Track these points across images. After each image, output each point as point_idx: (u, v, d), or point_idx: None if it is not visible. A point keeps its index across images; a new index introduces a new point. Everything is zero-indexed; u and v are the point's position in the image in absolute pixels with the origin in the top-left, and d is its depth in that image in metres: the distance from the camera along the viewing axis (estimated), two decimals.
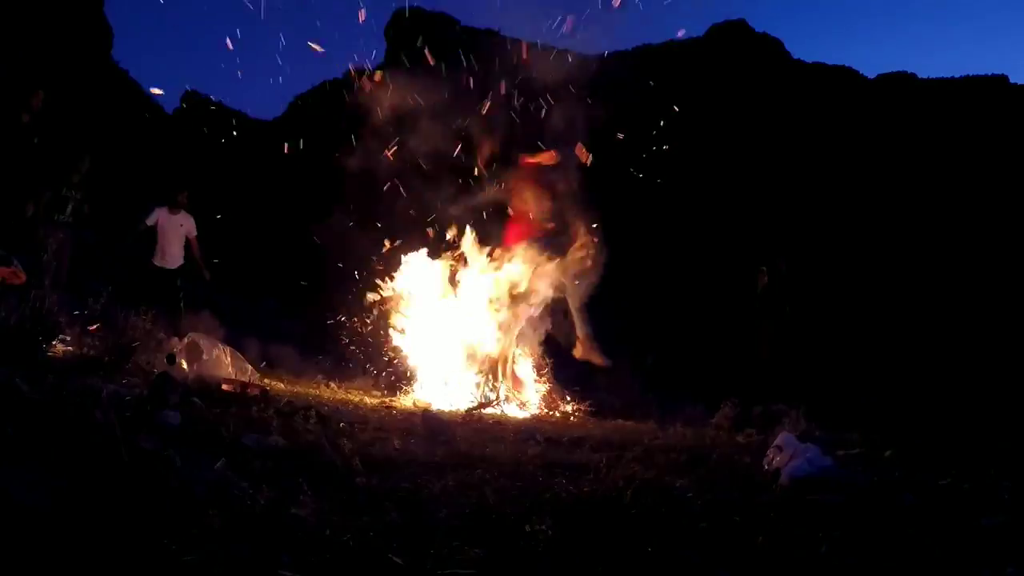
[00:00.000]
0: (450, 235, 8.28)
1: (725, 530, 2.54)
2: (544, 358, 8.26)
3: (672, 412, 7.77)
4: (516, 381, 7.97)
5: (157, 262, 8.58)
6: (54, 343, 5.08)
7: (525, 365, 8.15)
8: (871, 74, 43.98)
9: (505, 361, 8.01)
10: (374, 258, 8.65)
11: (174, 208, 8.71)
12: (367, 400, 6.68)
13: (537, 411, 7.54)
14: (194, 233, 8.79)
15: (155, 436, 2.89)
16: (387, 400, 6.86)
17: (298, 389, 6.66)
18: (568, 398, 7.94)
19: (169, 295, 8.57)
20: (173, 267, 8.65)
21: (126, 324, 6.07)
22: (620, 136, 8.97)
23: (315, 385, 7.35)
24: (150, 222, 8.60)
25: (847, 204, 36.54)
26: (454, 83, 8.78)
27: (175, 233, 8.67)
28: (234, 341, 7.30)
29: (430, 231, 8.47)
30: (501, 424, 5.73)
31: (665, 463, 3.91)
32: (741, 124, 35.35)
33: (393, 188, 8.73)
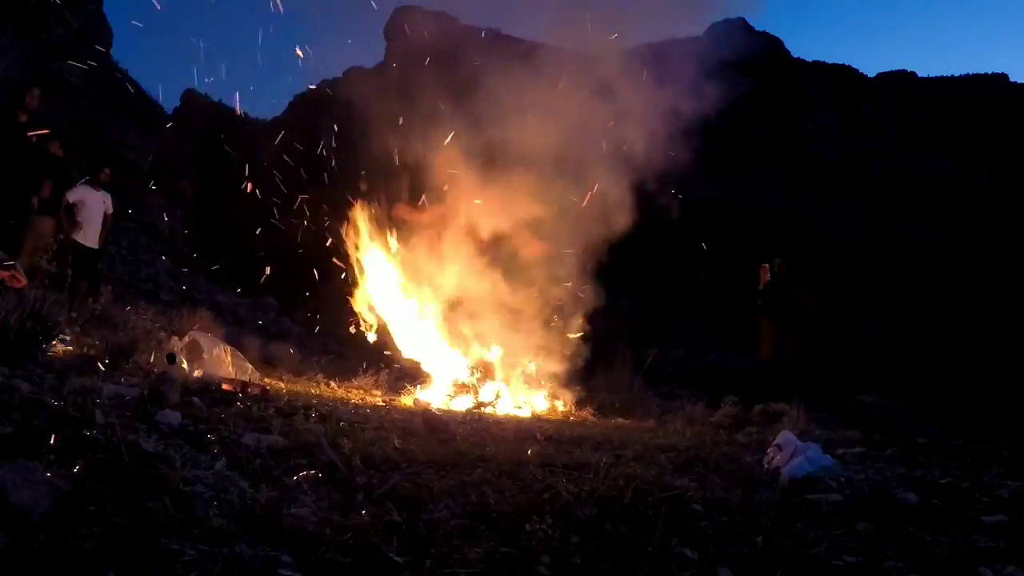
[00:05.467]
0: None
1: (725, 529, 2.54)
2: (544, 358, 8.27)
3: (672, 411, 7.78)
4: (516, 381, 7.98)
5: (79, 238, 8.44)
6: (54, 343, 5.08)
7: (525, 365, 8.16)
8: (871, 72, 43.96)
9: (506, 361, 8.03)
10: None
11: (97, 184, 8.65)
12: (367, 399, 6.68)
13: (537, 410, 7.54)
14: (111, 211, 8.78)
15: (155, 436, 2.89)
16: (387, 399, 6.86)
17: (298, 388, 6.66)
18: (568, 397, 7.94)
19: (89, 275, 8.52)
20: (95, 246, 8.56)
21: (126, 324, 6.07)
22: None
23: (315, 384, 7.35)
24: (72, 198, 8.48)
25: (851, 203, 36.50)
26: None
27: (97, 209, 8.59)
28: (234, 340, 7.30)
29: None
30: (501, 423, 5.73)
31: (665, 462, 3.91)
32: (740, 121, 35.37)
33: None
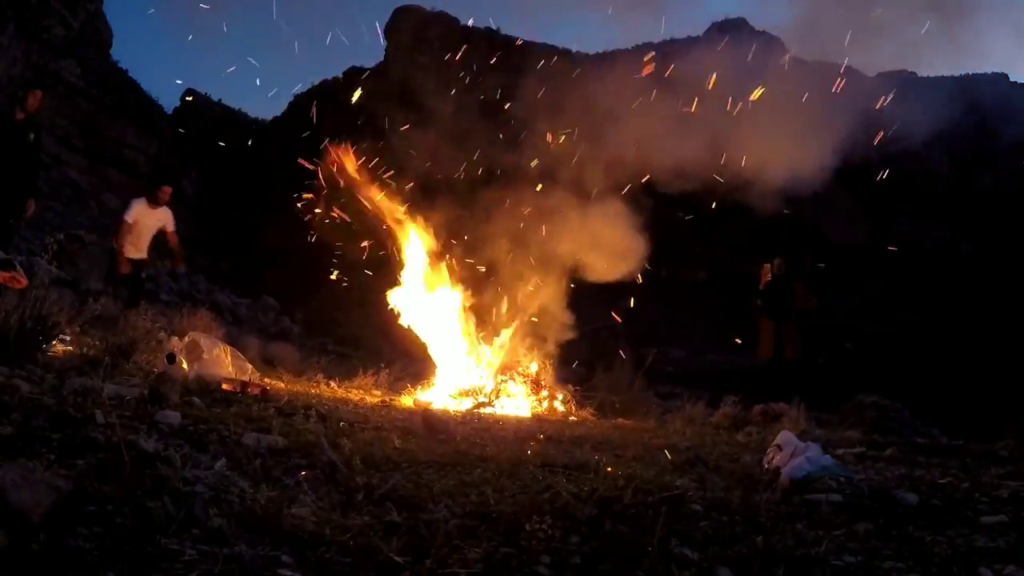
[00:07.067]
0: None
1: (725, 529, 2.54)
2: (545, 358, 8.27)
3: (672, 411, 7.78)
4: (517, 381, 7.98)
5: (127, 252, 8.45)
6: (54, 343, 5.08)
7: (526, 365, 8.16)
8: (871, 72, 43.92)
9: (506, 361, 8.02)
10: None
11: (154, 203, 8.59)
12: (367, 399, 6.67)
13: (537, 410, 7.54)
14: (172, 227, 8.70)
15: (155, 436, 2.89)
16: (387, 399, 6.86)
17: (298, 388, 6.66)
18: (568, 398, 7.94)
19: (131, 284, 8.55)
20: (139, 257, 8.56)
21: (126, 324, 6.07)
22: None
23: (315, 384, 7.35)
24: (129, 218, 8.46)
25: (851, 203, 36.50)
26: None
27: (150, 228, 8.57)
28: (234, 340, 7.31)
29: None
30: (501, 423, 5.73)
31: (665, 462, 3.92)
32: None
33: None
